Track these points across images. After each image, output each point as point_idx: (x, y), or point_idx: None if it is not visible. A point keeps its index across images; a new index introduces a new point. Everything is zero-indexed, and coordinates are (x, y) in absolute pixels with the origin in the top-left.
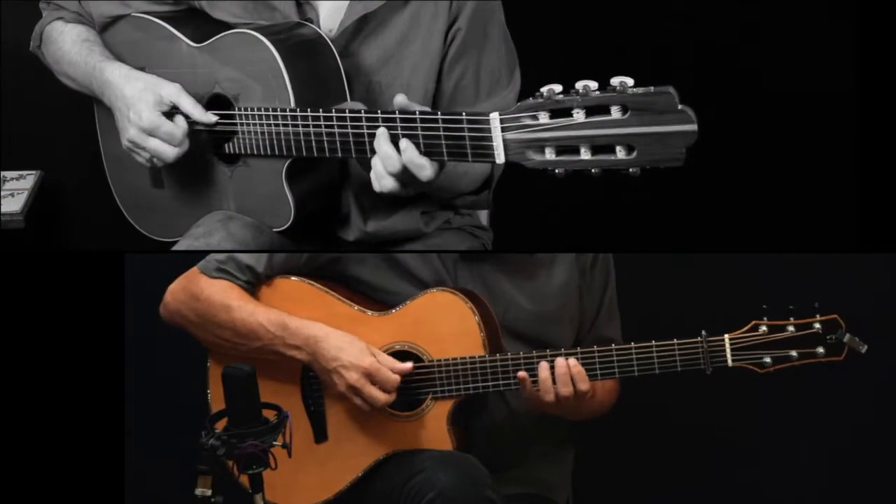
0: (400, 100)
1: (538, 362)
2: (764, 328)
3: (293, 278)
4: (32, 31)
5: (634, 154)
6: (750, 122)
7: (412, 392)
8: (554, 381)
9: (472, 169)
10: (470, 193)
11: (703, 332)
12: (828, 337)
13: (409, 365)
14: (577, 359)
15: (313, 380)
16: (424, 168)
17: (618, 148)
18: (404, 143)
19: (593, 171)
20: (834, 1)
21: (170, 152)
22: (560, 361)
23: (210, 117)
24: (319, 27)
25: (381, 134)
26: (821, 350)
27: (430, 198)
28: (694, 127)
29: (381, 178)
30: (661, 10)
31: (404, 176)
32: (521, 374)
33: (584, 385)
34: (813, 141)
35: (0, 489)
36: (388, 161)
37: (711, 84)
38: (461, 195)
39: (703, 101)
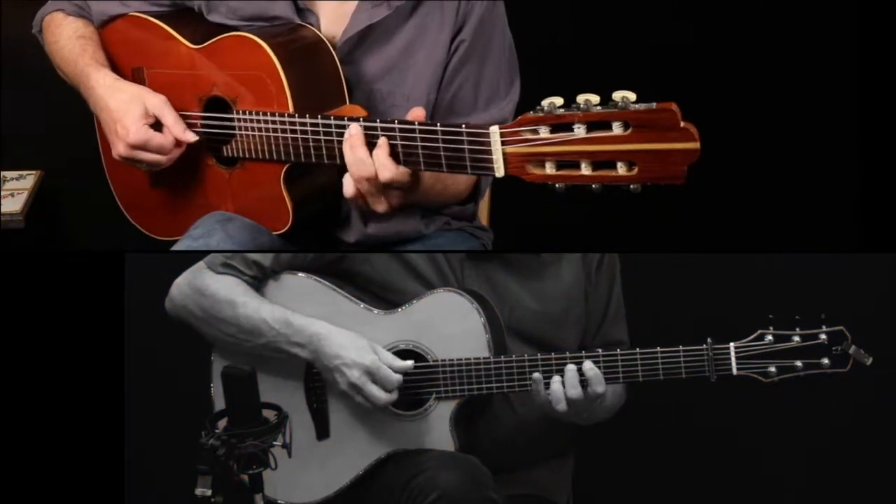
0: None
1: (543, 365)
2: (769, 337)
3: (300, 274)
4: (32, 30)
5: (635, 170)
6: (750, 122)
7: (416, 391)
8: (564, 386)
9: (455, 181)
10: (456, 204)
11: (709, 340)
12: (833, 348)
13: (409, 363)
14: (578, 364)
15: (317, 376)
16: (387, 168)
17: (619, 164)
18: (381, 140)
19: (593, 186)
20: (834, 1)
21: (163, 160)
22: (570, 367)
23: (190, 136)
24: (320, 31)
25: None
26: (826, 361)
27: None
28: (696, 145)
29: (349, 186)
30: (660, 11)
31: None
32: (536, 375)
33: (600, 387)
34: (814, 142)
35: (0, 489)
36: (360, 166)
37: (714, 89)
38: (446, 205)
39: (705, 105)
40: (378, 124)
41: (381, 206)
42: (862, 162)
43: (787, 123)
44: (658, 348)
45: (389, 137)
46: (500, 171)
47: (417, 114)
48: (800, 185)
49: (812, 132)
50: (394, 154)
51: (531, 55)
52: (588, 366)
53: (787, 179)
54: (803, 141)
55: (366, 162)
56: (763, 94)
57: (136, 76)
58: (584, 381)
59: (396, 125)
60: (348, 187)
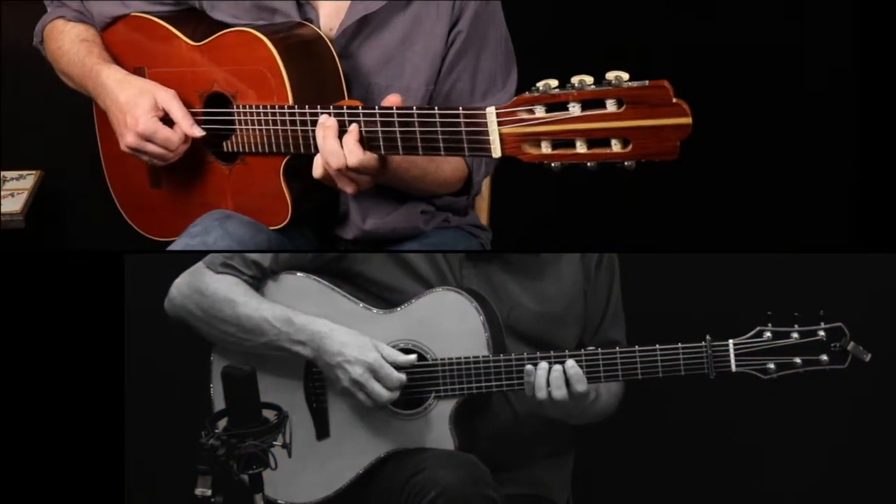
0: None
1: (541, 364)
2: (768, 334)
3: (299, 274)
4: (33, 31)
5: (630, 147)
6: (748, 121)
7: (415, 390)
8: (548, 384)
9: (438, 167)
10: (448, 194)
11: (708, 337)
12: (832, 345)
13: (412, 357)
14: (582, 361)
15: (316, 376)
16: (354, 153)
17: (613, 141)
18: (352, 127)
19: (589, 164)
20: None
21: (169, 155)
22: (556, 368)
23: (196, 131)
24: (319, 27)
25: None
26: (824, 358)
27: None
28: (688, 120)
29: (318, 167)
30: (659, 7)
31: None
32: (528, 367)
33: (581, 386)
34: (813, 142)
35: (0, 489)
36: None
37: (714, 88)
38: (434, 193)
39: (704, 101)
40: (376, 110)
41: (349, 188)
42: (860, 161)
43: (786, 123)
44: (657, 346)
45: (386, 122)
46: (496, 152)
47: (393, 100)
48: (798, 185)
49: (811, 132)
50: (361, 140)
51: (527, 45)
52: (570, 364)
53: (785, 178)
54: (802, 140)
55: (337, 153)
56: (761, 92)
57: (137, 76)
58: (566, 380)
59: (395, 110)
60: (317, 168)
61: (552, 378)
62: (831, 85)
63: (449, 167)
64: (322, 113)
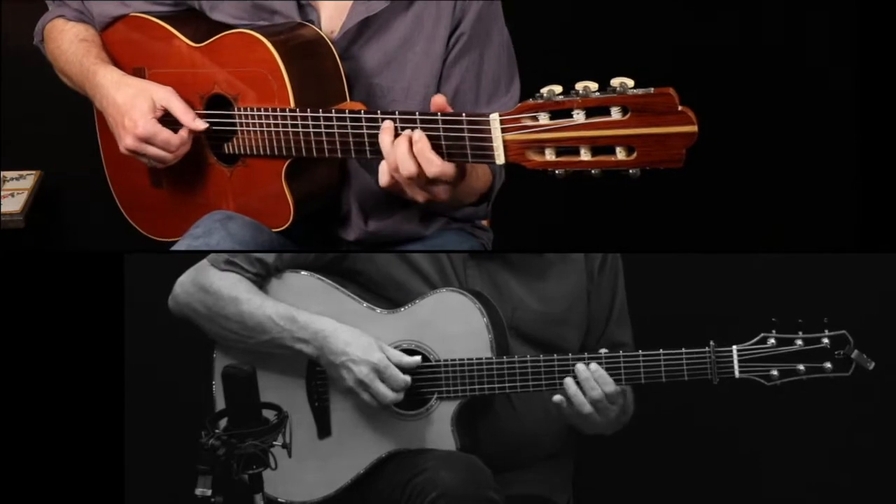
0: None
1: (545, 366)
2: (772, 341)
3: (302, 273)
4: (33, 31)
5: (634, 155)
6: (750, 123)
7: (417, 391)
8: (581, 388)
9: (476, 176)
10: (469, 205)
11: (712, 343)
12: (836, 352)
13: (416, 359)
14: (586, 364)
15: (318, 375)
16: (433, 163)
17: (618, 149)
18: (417, 135)
19: (593, 172)
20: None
21: (168, 157)
22: (580, 367)
23: (199, 124)
24: (320, 28)
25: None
26: (828, 365)
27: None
28: (694, 128)
29: (384, 175)
30: (659, 8)
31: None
32: (557, 397)
33: (609, 387)
34: (815, 142)
35: (0, 489)
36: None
37: (715, 88)
38: (465, 203)
39: (706, 103)
40: (378, 115)
41: (419, 197)
42: (864, 163)
43: (787, 123)
44: (661, 350)
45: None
46: (500, 159)
47: (438, 101)
48: (803, 187)
49: (813, 132)
50: (437, 149)
51: (531, 49)
52: (594, 367)
53: (790, 181)
54: (804, 141)
55: (434, 163)
56: (763, 94)
57: (137, 76)
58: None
59: (397, 115)
60: (384, 176)
61: (582, 380)
62: (832, 85)
63: (482, 171)
64: (324, 116)
